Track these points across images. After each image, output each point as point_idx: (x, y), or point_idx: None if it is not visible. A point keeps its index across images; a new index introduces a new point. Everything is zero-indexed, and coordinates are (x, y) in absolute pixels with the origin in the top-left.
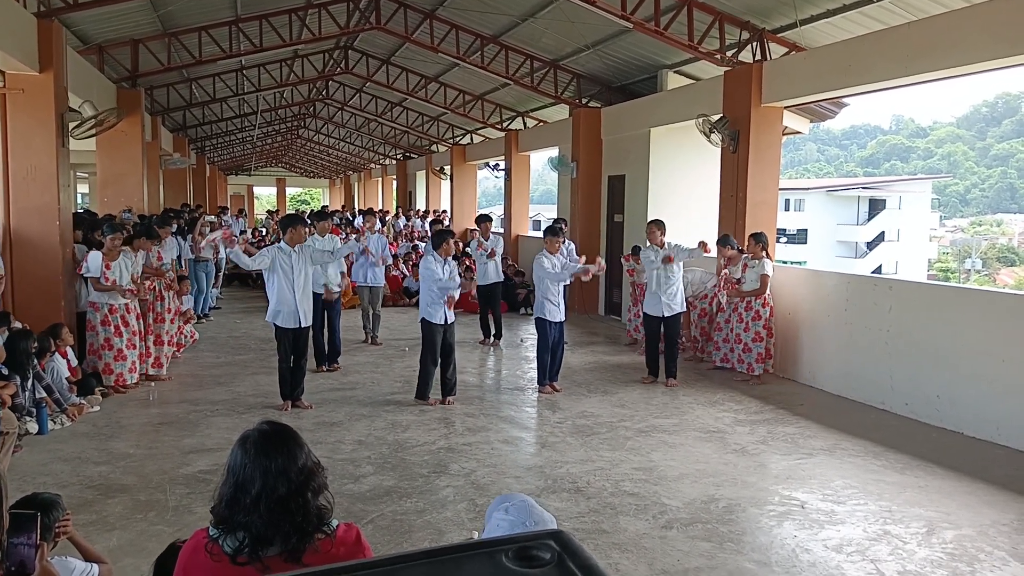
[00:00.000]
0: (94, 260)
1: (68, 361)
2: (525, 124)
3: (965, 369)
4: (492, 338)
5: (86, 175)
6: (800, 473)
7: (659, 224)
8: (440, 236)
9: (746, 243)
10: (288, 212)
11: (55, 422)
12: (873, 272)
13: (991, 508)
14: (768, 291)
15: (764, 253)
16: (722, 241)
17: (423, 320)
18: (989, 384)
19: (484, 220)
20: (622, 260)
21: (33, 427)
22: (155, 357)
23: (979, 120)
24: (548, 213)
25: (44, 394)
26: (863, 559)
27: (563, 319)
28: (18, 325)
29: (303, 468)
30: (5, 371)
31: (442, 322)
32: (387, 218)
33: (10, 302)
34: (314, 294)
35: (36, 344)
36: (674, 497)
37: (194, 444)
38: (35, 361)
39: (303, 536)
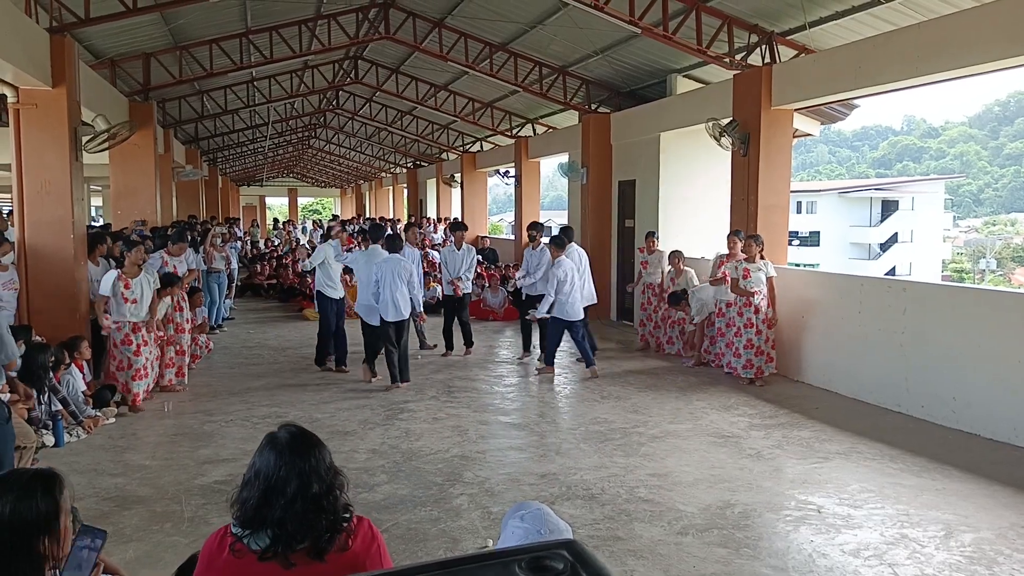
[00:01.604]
0: (106, 281)
1: (84, 375)
2: (535, 131)
3: (981, 370)
4: (466, 348)
5: (99, 188)
6: (816, 477)
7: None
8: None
9: (742, 245)
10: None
11: (71, 435)
12: (887, 274)
13: (1009, 510)
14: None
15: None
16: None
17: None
18: (1006, 385)
19: (456, 228)
20: (638, 250)
21: (49, 440)
22: (177, 367)
23: (991, 119)
24: (559, 219)
25: (60, 407)
26: (881, 563)
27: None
28: (37, 339)
29: (331, 467)
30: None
31: None
32: (397, 227)
33: (25, 315)
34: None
35: (53, 357)
36: (689, 503)
37: (209, 455)
38: (51, 374)
39: (333, 532)
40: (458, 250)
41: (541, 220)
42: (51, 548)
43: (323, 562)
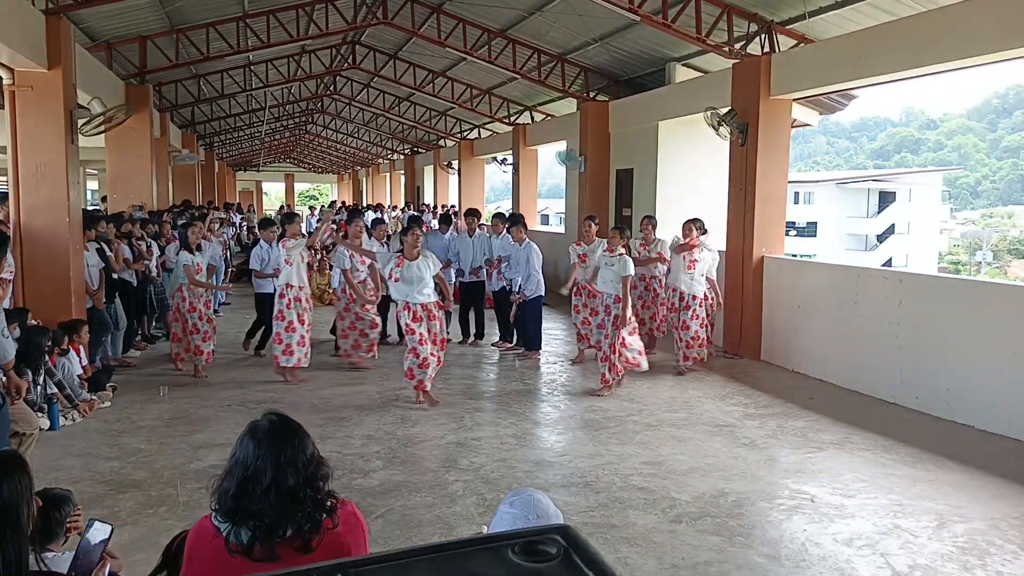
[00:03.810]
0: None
1: (80, 358)
2: (533, 118)
3: (976, 362)
4: (472, 337)
5: (95, 172)
6: (810, 467)
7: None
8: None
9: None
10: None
11: (66, 418)
12: (883, 265)
13: (1002, 502)
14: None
15: (625, 245)
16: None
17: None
18: (1000, 377)
19: (469, 215)
20: (574, 244)
21: (45, 423)
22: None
23: (990, 111)
24: (556, 207)
25: (55, 390)
26: (873, 553)
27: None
28: (33, 322)
29: (312, 458)
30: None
31: None
32: (395, 212)
33: (21, 298)
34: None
35: (50, 340)
36: (683, 491)
37: (204, 439)
38: (46, 357)
39: (314, 524)
40: (470, 237)
41: (538, 208)
42: (30, 522)
43: (310, 552)
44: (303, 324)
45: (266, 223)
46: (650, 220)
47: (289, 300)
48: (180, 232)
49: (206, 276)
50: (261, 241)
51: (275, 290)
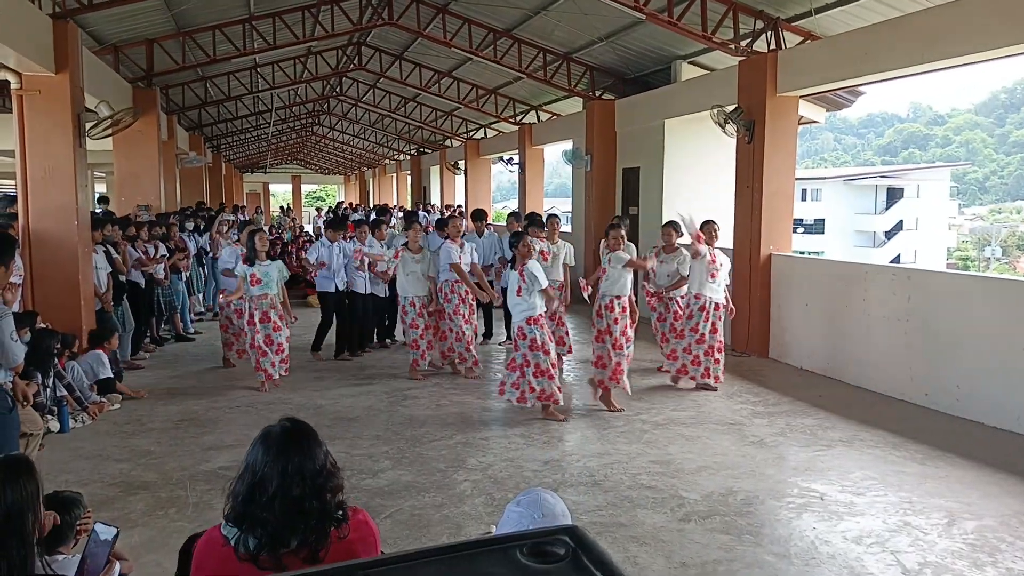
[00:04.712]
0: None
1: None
2: (539, 118)
3: (985, 358)
4: (481, 337)
5: (103, 175)
6: (819, 465)
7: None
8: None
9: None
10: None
11: (76, 420)
12: (892, 261)
13: (1013, 498)
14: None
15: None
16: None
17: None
18: (1009, 373)
19: (476, 218)
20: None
21: (55, 425)
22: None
23: (998, 107)
24: (563, 207)
25: (65, 392)
26: (883, 551)
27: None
28: (42, 325)
29: (321, 468)
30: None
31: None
32: (398, 214)
33: (30, 302)
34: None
35: (59, 343)
36: (692, 490)
37: (214, 441)
38: (56, 360)
39: (321, 536)
40: (479, 238)
41: (544, 207)
42: (36, 527)
43: (318, 564)
44: (428, 330)
45: (334, 223)
46: (620, 220)
47: (416, 306)
48: (249, 243)
49: (274, 288)
50: (324, 238)
51: (336, 289)
